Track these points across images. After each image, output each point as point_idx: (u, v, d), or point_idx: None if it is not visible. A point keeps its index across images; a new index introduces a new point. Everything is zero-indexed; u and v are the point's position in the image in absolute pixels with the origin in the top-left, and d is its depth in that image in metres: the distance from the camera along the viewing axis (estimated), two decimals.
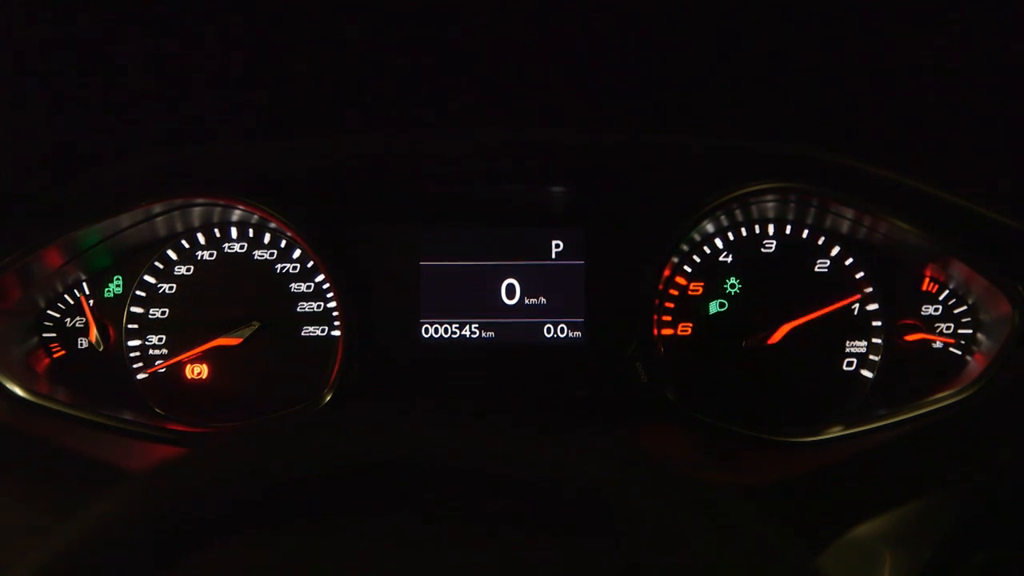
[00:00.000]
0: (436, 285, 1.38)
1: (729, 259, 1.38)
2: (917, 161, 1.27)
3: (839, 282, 1.36)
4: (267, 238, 1.40)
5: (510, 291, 1.39)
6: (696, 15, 1.11)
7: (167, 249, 1.39)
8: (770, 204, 1.34)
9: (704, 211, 1.30)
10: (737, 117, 1.31)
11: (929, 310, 1.36)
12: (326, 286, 1.38)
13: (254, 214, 1.35)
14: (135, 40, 1.14)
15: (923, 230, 1.26)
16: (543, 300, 1.39)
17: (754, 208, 1.35)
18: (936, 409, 1.24)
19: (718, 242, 1.38)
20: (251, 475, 0.56)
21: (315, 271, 1.39)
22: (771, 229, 1.38)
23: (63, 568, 0.53)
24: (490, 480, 0.56)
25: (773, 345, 1.35)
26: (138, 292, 1.38)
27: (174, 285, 1.39)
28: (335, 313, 1.38)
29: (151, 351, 1.39)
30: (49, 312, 1.38)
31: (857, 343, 1.36)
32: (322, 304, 1.39)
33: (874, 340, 1.36)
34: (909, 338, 1.35)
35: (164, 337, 1.38)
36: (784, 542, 0.53)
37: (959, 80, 1.18)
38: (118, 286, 1.39)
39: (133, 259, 1.39)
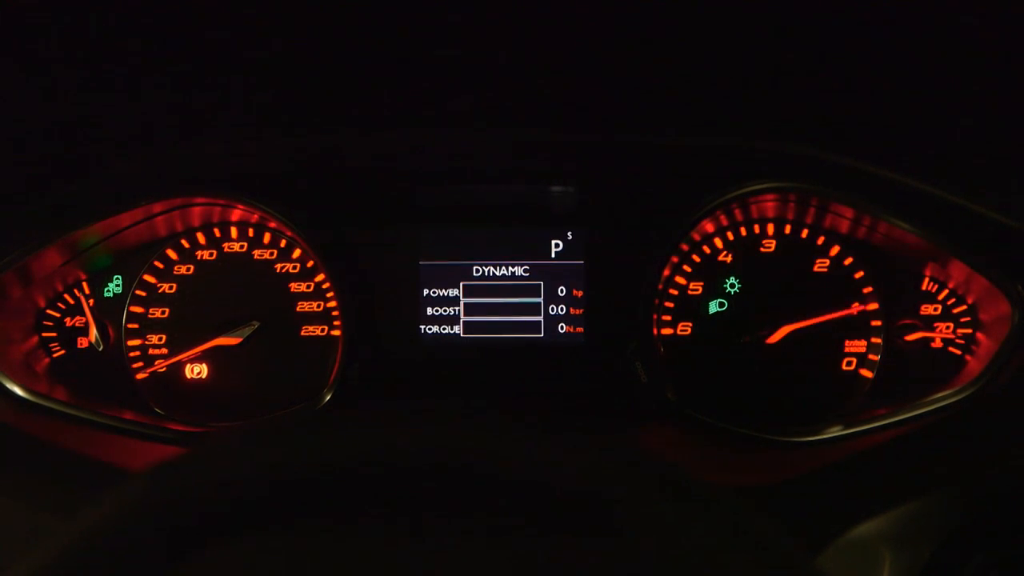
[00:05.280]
0: (436, 285, 1.38)
1: (729, 259, 1.38)
2: (917, 161, 1.27)
3: (839, 282, 1.36)
4: (267, 238, 1.40)
5: (510, 291, 1.39)
6: (696, 15, 1.11)
7: (167, 249, 1.39)
8: (770, 204, 1.34)
9: (704, 211, 1.30)
10: (737, 117, 1.31)
11: (929, 310, 1.36)
12: (326, 286, 1.38)
13: (254, 214, 1.35)
14: (136, 40, 1.14)
15: (923, 230, 1.26)
16: (543, 300, 1.39)
17: (754, 208, 1.35)
18: (936, 409, 1.25)
19: (718, 242, 1.38)
20: (251, 475, 0.56)
21: (315, 271, 1.39)
22: (771, 229, 1.38)
23: (63, 568, 0.53)
24: (489, 480, 0.56)
25: (772, 345, 1.35)
26: (138, 292, 1.38)
27: (174, 285, 1.39)
28: (335, 313, 1.38)
29: (151, 351, 1.39)
30: (49, 312, 1.38)
31: (857, 343, 1.36)
32: (322, 304, 1.39)
33: (874, 340, 1.36)
34: (909, 338, 1.35)
35: (164, 337, 1.38)
36: (784, 542, 0.53)
37: (959, 80, 1.18)
38: (118, 286, 1.39)
39: (133, 259, 1.39)
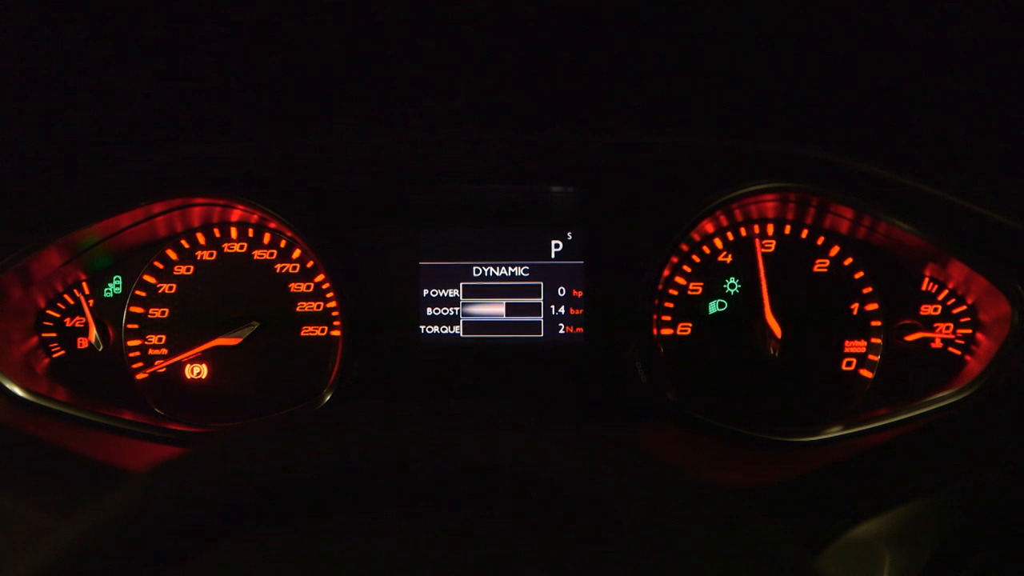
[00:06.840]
0: (436, 285, 1.38)
1: (729, 259, 1.38)
2: (917, 161, 1.27)
3: (839, 282, 1.36)
4: (267, 238, 1.40)
5: (510, 291, 1.39)
6: (696, 15, 1.11)
7: (167, 249, 1.39)
8: (770, 204, 1.34)
9: (704, 211, 1.30)
10: (737, 117, 1.31)
11: (929, 310, 1.36)
12: (326, 286, 1.38)
13: (254, 214, 1.35)
14: (135, 40, 1.14)
15: (923, 230, 1.26)
16: (543, 300, 1.39)
17: (754, 208, 1.35)
18: (936, 409, 1.25)
19: (718, 242, 1.38)
20: (250, 475, 0.56)
21: (315, 271, 1.39)
22: (771, 229, 1.38)
23: (62, 569, 0.53)
24: (488, 480, 0.56)
25: (774, 344, 1.35)
26: (138, 292, 1.38)
27: (174, 285, 1.39)
28: (335, 313, 1.38)
29: (151, 351, 1.39)
30: (49, 312, 1.38)
31: (857, 343, 1.36)
32: (322, 304, 1.39)
33: (874, 340, 1.36)
34: (909, 338, 1.35)
35: (164, 337, 1.38)
36: (784, 542, 0.53)
37: (959, 79, 1.18)
38: (118, 286, 1.39)
39: (133, 259, 1.39)
